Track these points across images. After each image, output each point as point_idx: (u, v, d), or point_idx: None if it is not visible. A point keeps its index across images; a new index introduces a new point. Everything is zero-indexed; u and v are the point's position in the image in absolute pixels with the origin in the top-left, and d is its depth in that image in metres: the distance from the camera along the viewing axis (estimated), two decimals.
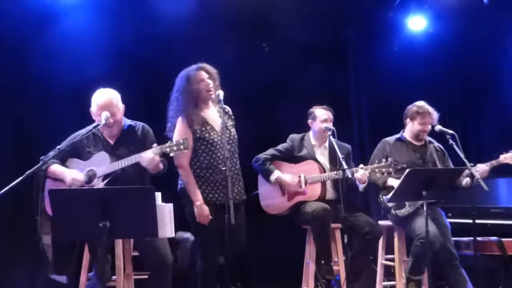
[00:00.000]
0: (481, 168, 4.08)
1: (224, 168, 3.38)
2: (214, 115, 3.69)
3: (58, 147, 3.49)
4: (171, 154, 3.29)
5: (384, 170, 3.90)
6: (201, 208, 3.53)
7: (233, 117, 3.79)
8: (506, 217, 4.79)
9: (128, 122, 3.68)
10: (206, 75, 3.62)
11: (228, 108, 3.75)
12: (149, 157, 3.30)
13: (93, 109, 3.58)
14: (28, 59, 4.78)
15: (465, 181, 4.11)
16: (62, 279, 4.03)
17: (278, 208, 4.25)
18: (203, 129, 3.61)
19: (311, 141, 4.35)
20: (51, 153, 3.46)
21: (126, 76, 5.01)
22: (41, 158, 3.20)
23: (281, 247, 5.23)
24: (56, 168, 3.47)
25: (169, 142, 3.29)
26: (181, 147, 3.23)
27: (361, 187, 4.08)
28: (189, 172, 3.59)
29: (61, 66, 4.81)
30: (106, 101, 3.52)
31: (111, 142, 3.61)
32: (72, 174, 3.44)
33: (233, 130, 3.73)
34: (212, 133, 3.62)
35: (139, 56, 5.28)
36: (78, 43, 4.97)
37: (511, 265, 4.37)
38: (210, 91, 3.60)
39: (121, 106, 3.59)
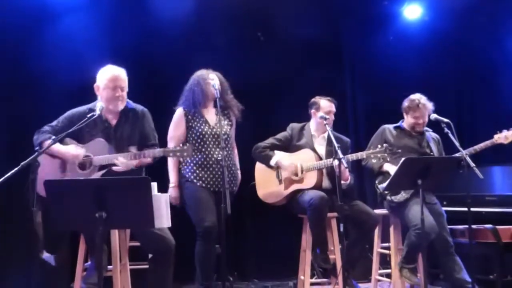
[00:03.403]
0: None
1: (220, 157, 3.43)
2: (212, 113, 4.03)
3: (52, 124, 3.51)
4: (173, 158, 3.65)
5: (379, 155, 3.92)
6: (171, 190, 3.94)
7: (232, 119, 4.11)
8: (501, 204, 4.81)
9: (132, 105, 3.69)
10: (216, 79, 3.96)
11: (233, 112, 4.10)
12: (122, 162, 3.38)
13: (102, 82, 3.55)
14: (27, 55, 4.74)
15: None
16: (51, 260, 4.01)
17: (275, 197, 4.25)
18: (197, 119, 3.97)
19: (310, 131, 4.35)
20: (46, 128, 3.49)
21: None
22: (36, 149, 3.19)
23: (278, 236, 5.25)
24: (52, 146, 3.39)
25: (173, 147, 3.51)
26: (185, 153, 3.41)
27: (344, 185, 4.04)
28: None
29: (59, 62, 4.78)
30: (119, 74, 3.57)
31: (112, 123, 3.59)
32: (71, 150, 3.42)
33: (227, 128, 4.02)
34: (203, 125, 3.96)
35: (137, 52, 5.26)
36: (76, 39, 4.96)
37: (506, 252, 4.40)
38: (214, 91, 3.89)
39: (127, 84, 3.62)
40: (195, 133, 3.95)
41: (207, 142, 3.93)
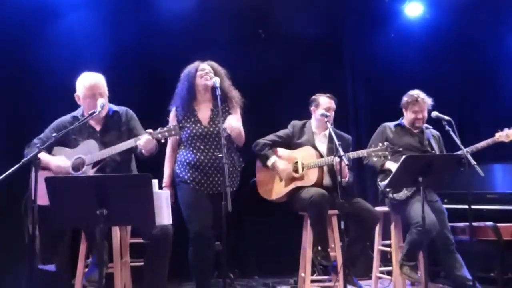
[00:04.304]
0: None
1: (221, 155, 3.41)
2: (206, 109, 3.86)
3: (40, 137, 3.52)
4: (163, 140, 3.45)
5: (380, 153, 3.92)
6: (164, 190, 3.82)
7: (232, 112, 3.90)
8: (502, 202, 4.82)
9: (114, 108, 3.69)
10: (208, 68, 3.87)
11: (232, 104, 3.90)
12: (147, 138, 3.37)
13: (81, 92, 3.55)
14: (27, 53, 4.74)
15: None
16: (51, 267, 4.01)
17: (275, 194, 4.25)
18: (188, 120, 3.82)
19: (312, 128, 4.35)
20: (36, 141, 3.51)
21: (124, 69, 5.00)
22: (37, 146, 3.19)
23: (278, 234, 5.25)
24: (41, 156, 3.40)
25: (160, 128, 3.41)
26: (172, 132, 3.39)
27: (343, 182, 4.02)
28: (168, 155, 3.92)
29: (59, 60, 4.77)
30: (96, 81, 3.55)
31: (97, 128, 3.60)
32: (57, 161, 3.43)
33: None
34: (194, 125, 3.80)
35: (137, 50, 5.25)
36: (76, 38, 4.95)
37: (507, 250, 4.41)
38: (204, 78, 3.82)
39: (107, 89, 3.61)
40: (185, 135, 3.82)
41: (197, 144, 3.78)
